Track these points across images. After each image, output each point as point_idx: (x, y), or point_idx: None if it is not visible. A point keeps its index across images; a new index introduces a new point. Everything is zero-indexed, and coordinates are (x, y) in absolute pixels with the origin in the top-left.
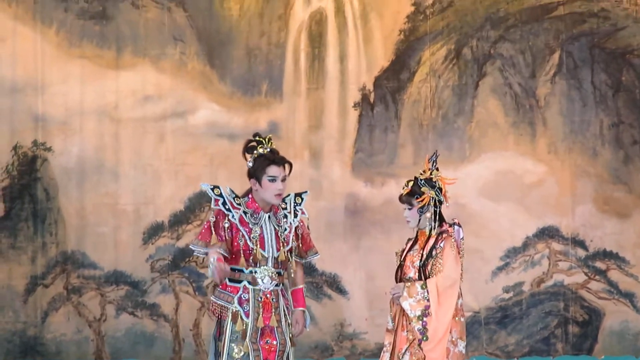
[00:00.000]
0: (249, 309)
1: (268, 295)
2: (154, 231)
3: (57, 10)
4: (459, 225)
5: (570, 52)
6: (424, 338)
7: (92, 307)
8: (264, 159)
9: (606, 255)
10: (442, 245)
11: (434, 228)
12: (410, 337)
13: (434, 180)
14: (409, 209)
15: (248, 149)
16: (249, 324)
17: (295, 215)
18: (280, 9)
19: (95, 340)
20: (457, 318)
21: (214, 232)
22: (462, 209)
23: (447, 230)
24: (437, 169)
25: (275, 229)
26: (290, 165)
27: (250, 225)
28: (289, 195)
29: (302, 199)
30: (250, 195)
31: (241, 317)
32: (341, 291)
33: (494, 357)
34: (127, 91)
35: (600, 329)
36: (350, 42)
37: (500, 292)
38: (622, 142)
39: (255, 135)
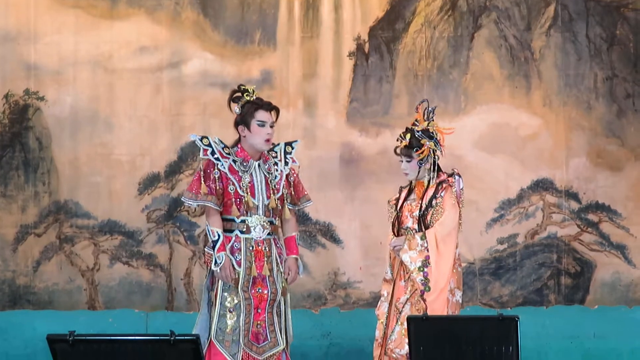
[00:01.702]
0: (240, 258)
1: (260, 244)
2: (150, 182)
3: None
4: (459, 176)
5: (566, 4)
6: (426, 289)
7: (85, 256)
8: (251, 104)
9: (598, 207)
10: (442, 194)
11: (433, 178)
12: (410, 287)
13: (431, 131)
14: (408, 162)
15: (234, 99)
16: (241, 273)
17: (286, 164)
18: None
19: (88, 289)
20: (454, 268)
21: (203, 183)
22: (457, 160)
23: (448, 180)
24: (433, 119)
25: (265, 176)
26: (277, 111)
27: (240, 174)
28: (279, 144)
29: (292, 148)
30: (239, 145)
31: (233, 266)
32: (335, 240)
33: (488, 308)
34: (121, 42)
35: (592, 280)
36: None
37: (494, 244)
38: (616, 95)
39: (239, 86)
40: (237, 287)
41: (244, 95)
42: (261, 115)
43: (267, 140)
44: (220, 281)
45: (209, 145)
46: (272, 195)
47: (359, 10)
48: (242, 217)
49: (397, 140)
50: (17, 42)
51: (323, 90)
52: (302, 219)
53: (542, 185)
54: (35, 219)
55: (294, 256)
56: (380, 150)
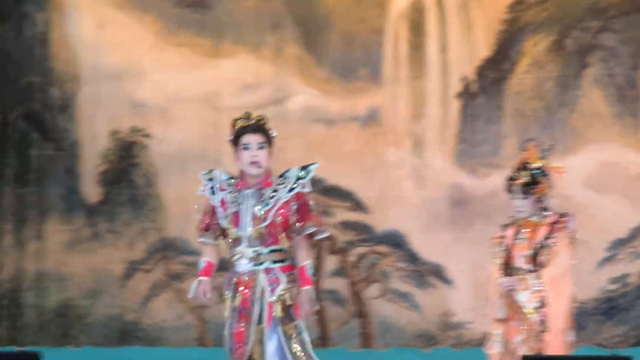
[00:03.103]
0: (227, 293)
1: (245, 276)
2: None
3: None
4: (572, 216)
5: None
6: (544, 329)
7: None
8: (238, 129)
9: None
10: (556, 235)
11: (545, 217)
12: (525, 328)
13: (545, 169)
14: (524, 199)
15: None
16: (228, 310)
17: (291, 190)
18: None
19: (197, 326)
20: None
21: (203, 219)
22: (566, 200)
23: (561, 220)
24: (548, 158)
25: (254, 204)
26: (265, 132)
27: (228, 204)
28: (289, 170)
29: (308, 172)
30: (241, 175)
31: (225, 302)
32: (445, 281)
33: (600, 348)
34: (226, 80)
35: None
36: (451, 31)
37: (605, 283)
38: None
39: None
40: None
41: (237, 121)
42: (246, 138)
43: (253, 163)
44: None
45: (211, 179)
46: (256, 225)
47: (466, 50)
48: (231, 250)
49: (510, 178)
50: (124, 80)
51: (430, 131)
52: (412, 258)
53: None
54: (143, 255)
55: (305, 288)
56: (490, 191)
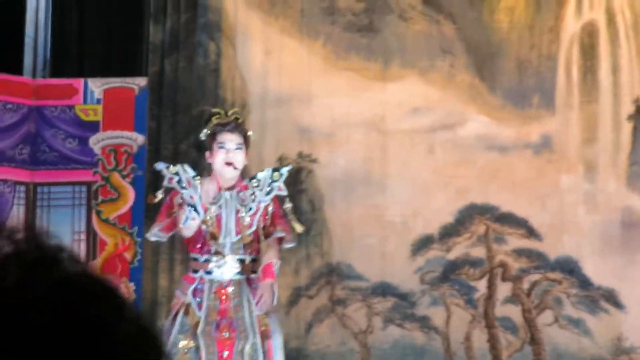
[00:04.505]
0: (202, 300)
1: (227, 285)
2: (423, 243)
3: (323, 23)
4: None
5: None
6: None
7: (358, 318)
8: (215, 125)
9: None
10: None
11: None
12: None
13: None
14: None
15: (206, 123)
16: (202, 317)
17: (268, 193)
18: (551, 20)
19: (360, 352)
20: None
21: (163, 214)
22: None
23: None
24: None
25: (237, 209)
26: (244, 132)
27: (207, 205)
28: (262, 170)
29: (280, 175)
30: (211, 174)
31: (193, 309)
32: (618, 305)
33: None
34: (394, 103)
35: None
36: (623, 53)
37: None
38: None
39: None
40: (197, 332)
41: (213, 118)
42: (223, 136)
43: (228, 164)
44: (178, 321)
45: (177, 174)
46: (242, 231)
47: (637, 71)
48: (205, 256)
49: None
50: (291, 105)
51: (603, 155)
52: (584, 284)
53: None
54: (308, 280)
55: (269, 281)
56: None
